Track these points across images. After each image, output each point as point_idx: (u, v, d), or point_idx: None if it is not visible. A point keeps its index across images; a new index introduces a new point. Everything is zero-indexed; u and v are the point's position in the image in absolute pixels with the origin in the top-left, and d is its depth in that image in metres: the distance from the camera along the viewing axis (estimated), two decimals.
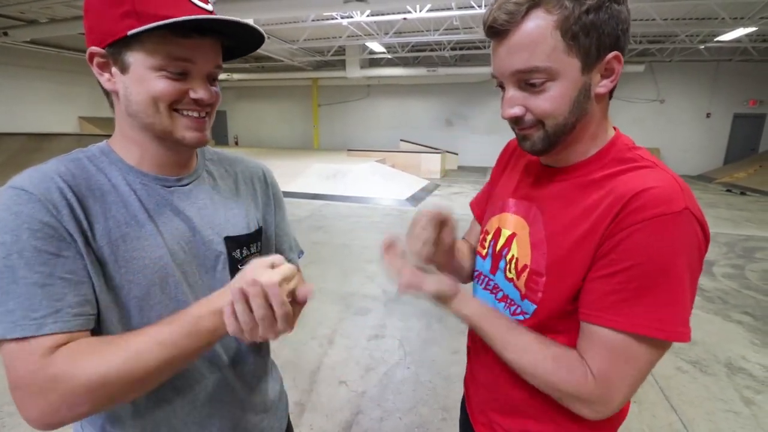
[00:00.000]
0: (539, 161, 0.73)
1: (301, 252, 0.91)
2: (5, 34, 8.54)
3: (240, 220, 0.72)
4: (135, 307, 0.59)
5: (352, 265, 4.31)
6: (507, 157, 0.86)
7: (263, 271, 0.51)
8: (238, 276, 0.53)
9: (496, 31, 0.58)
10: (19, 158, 8.10)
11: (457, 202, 7.86)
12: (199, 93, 0.59)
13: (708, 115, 12.15)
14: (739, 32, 8.41)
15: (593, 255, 0.58)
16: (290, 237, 0.87)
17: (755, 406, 2.19)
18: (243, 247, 0.71)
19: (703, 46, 10.23)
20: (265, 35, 0.64)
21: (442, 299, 0.69)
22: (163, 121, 0.59)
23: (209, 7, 0.60)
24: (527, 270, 0.67)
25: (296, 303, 0.56)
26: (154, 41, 0.55)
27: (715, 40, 9.48)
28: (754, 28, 8.12)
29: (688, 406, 2.19)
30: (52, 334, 0.50)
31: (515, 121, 0.63)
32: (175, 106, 0.59)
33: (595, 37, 0.55)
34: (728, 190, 9.53)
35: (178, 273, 0.62)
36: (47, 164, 0.58)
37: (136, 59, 0.56)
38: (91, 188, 0.58)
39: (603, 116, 0.65)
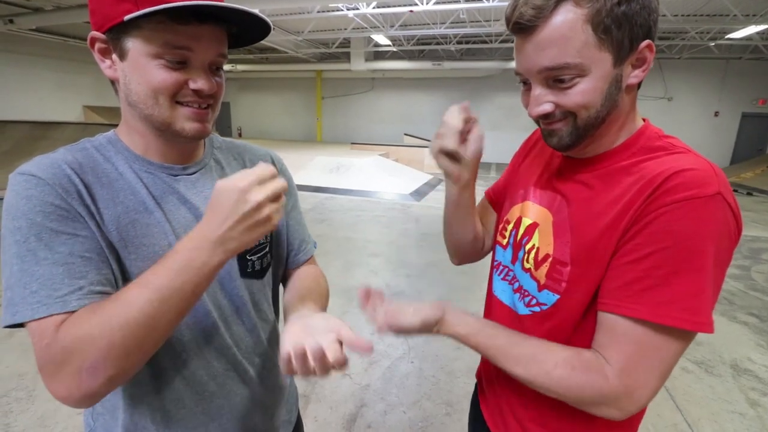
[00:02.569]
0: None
1: (315, 244, 0.90)
2: (11, 21, 8.52)
3: None
4: None
5: (355, 258, 4.31)
6: (530, 146, 0.84)
7: (234, 181, 0.50)
8: (212, 206, 0.51)
9: (522, 27, 0.55)
10: (23, 146, 8.10)
11: None
12: (198, 83, 0.57)
13: (716, 114, 12.03)
14: (751, 30, 8.28)
15: (619, 239, 0.56)
16: (303, 227, 0.86)
17: (761, 407, 2.18)
18: None
19: (713, 44, 10.10)
20: (270, 23, 0.61)
21: (429, 326, 0.65)
22: (162, 113, 0.58)
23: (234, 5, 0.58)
24: (549, 259, 0.64)
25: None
26: (152, 27, 0.53)
27: (726, 37, 9.35)
28: (766, 26, 7.99)
29: (693, 407, 2.18)
30: (75, 311, 0.49)
31: (545, 120, 0.61)
32: (176, 98, 0.58)
33: (628, 29, 0.53)
34: (735, 190, 9.43)
35: None
36: (55, 153, 0.57)
37: (135, 46, 0.54)
38: (98, 176, 0.58)
39: (632, 107, 0.63)
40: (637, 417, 0.68)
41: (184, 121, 0.59)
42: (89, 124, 9.53)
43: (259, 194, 0.50)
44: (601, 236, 0.58)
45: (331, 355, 0.49)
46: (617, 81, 0.57)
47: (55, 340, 0.47)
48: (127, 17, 0.51)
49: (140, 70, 0.55)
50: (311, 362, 0.49)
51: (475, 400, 0.90)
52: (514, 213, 0.76)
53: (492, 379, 0.81)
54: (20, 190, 0.51)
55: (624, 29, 0.53)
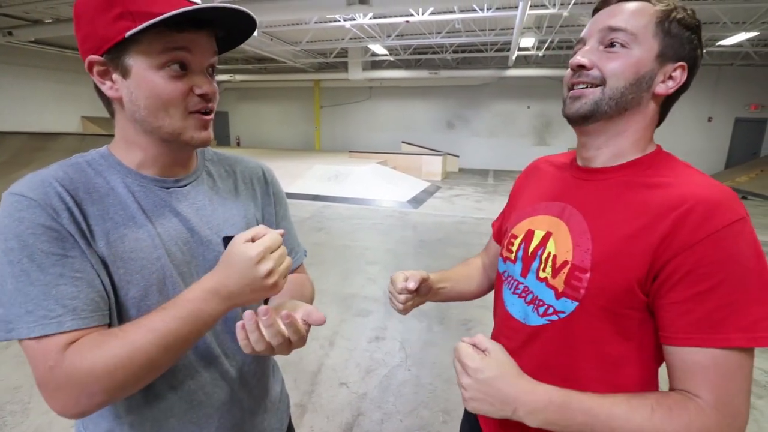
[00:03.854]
0: (574, 164, 0.75)
1: (305, 252, 0.91)
2: (9, 33, 8.60)
3: (239, 220, 0.72)
4: (133, 307, 0.60)
5: (353, 266, 4.31)
6: (529, 173, 0.89)
7: (246, 248, 0.54)
8: (224, 262, 0.56)
9: (608, 2, 0.66)
10: (21, 157, 8.12)
11: (458, 205, 7.86)
12: (203, 87, 0.60)
13: (710, 119, 12.15)
14: (741, 37, 8.41)
15: (651, 256, 0.57)
16: (293, 236, 0.87)
17: (756, 411, 2.19)
18: None
19: (705, 51, 10.22)
20: (257, 19, 0.64)
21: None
22: (173, 123, 0.60)
23: (199, 0, 0.60)
24: (568, 266, 0.65)
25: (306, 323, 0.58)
26: (151, 39, 0.55)
27: (717, 44, 9.49)
28: (755, 33, 8.13)
29: None
30: (70, 331, 0.52)
31: (575, 74, 0.67)
32: (188, 109, 0.60)
33: (677, 42, 0.63)
34: None
35: (175, 274, 0.63)
36: (46, 170, 0.58)
37: (136, 61, 0.56)
38: (89, 191, 0.59)
39: (651, 126, 0.68)
40: None
41: (194, 130, 0.61)
42: (87, 135, 9.57)
43: (270, 264, 0.54)
44: (625, 245, 0.59)
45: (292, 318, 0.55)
46: (651, 76, 0.64)
47: (60, 367, 0.50)
48: (129, 33, 0.53)
49: (147, 83, 0.57)
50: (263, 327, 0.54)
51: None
52: (521, 227, 0.78)
53: None
54: (12, 211, 0.53)
55: (673, 40, 0.63)
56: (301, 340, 0.57)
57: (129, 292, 0.59)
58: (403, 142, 13.79)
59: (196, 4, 0.58)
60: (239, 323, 0.54)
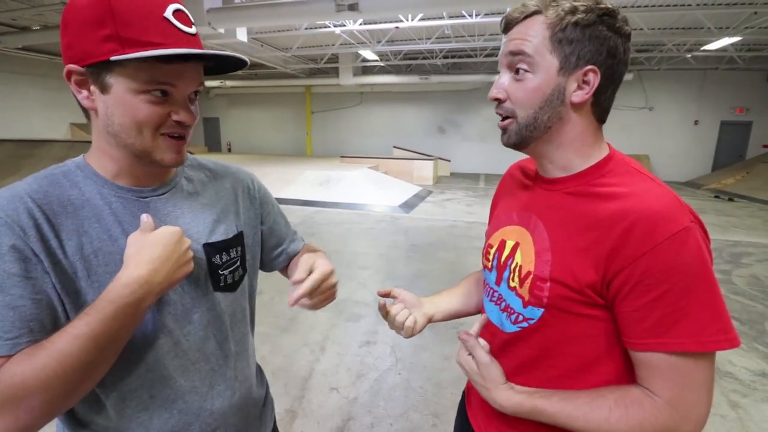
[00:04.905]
0: (537, 173, 0.76)
1: (302, 239, 0.96)
2: None
3: (219, 226, 0.73)
4: None
5: (344, 271, 4.31)
6: (505, 183, 0.90)
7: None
8: (143, 248, 0.58)
9: (508, 23, 0.67)
10: (8, 164, 8.01)
11: (450, 209, 7.90)
12: (181, 115, 0.60)
13: (696, 123, 12.37)
14: (725, 41, 8.59)
15: (602, 268, 0.60)
16: (290, 229, 0.92)
17: (741, 409, 2.22)
18: (222, 252, 0.72)
19: (690, 55, 10.44)
20: (248, 61, 0.65)
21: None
22: (144, 143, 0.60)
23: (192, 30, 0.60)
24: (531, 276, 0.68)
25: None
26: (137, 66, 0.55)
27: (702, 49, 9.68)
28: (739, 38, 8.31)
29: None
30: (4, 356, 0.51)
31: (497, 106, 0.69)
32: (160, 130, 0.60)
33: (577, 48, 0.61)
34: (716, 197, 9.67)
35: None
36: (20, 183, 0.58)
37: (118, 82, 0.56)
38: (63, 204, 0.59)
39: (591, 132, 0.67)
40: None
41: (164, 152, 0.62)
42: (76, 142, 9.47)
43: (187, 241, 0.61)
44: (578, 256, 0.62)
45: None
46: (560, 92, 0.63)
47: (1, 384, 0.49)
48: (114, 58, 0.53)
49: (125, 104, 0.57)
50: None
51: (462, 409, 0.92)
52: (496, 237, 0.80)
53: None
54: None
55: (573, 47, 0.61)
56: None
57: None
58: (394, 146, 13.84)
59: (187, 34, 0.59)
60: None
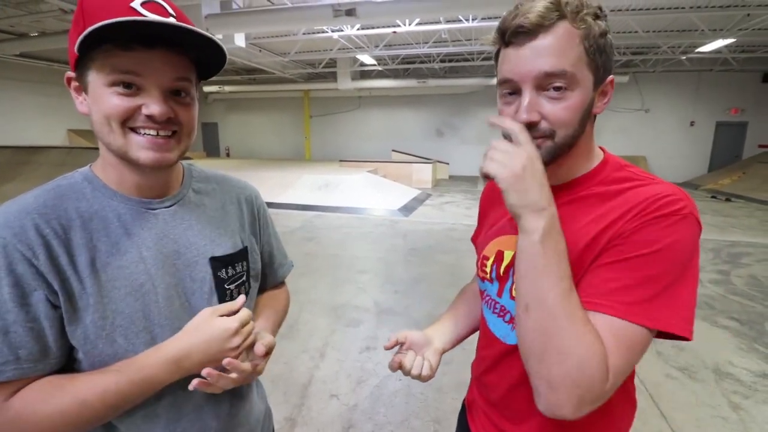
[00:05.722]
0: None
1: (292, 264, 0.94)
2: None
3: (225, 240, 0.72)
4: (120, 335, 0.59)
5: (343, 275, 4.30)
6: (494, 189, 0.86)
7: (223, 321, 0.60)
8: (193, 331, 0.60)
9: (525, 31, 0.57)
10: (6, 171, 7.99)
11: (449, 212, 7.90)
12: (151, 108, 0.56)
13: (692, 124, 12.43)
14: (719, 43, 8.66)
15: (602, 249, 0.58)
16: (281, 253, 0.89)
17: (743, 411, 2.22)
18: (228, 267, 0.71)
19: (684, 57, 10.50)
20: (225, 51, 0.62)
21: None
22: (117, 140, 0.58)
23: (170, 20, 0.55)
24: None
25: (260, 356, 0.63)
26: (102, 57, 0.55)
27: (696, 51, 9.74)
28: (732, 40, 8.37)
29: (677, 413, 2.20)
30: (9, 381, 0.52)
31: (528, 131, 0.61)
32: (129, 124, 0.57)
33: (605, 58, 0.60)
34: (713, 197, 9.70)
35: (162, 299, 0.62)
36: (26, 197, 0.58)
37: (93, 78, 0.56)
38: (72, 218, 0.58)
39: (591, 137, 0.67)
40: (625, 425, 0.71)
41: (138, 149, 0.58)
42: (73, 148, 9.45)
43: (241, 338, 0.61)
44: (583, 252, 0.60)
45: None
46: (591, 105, 0.61)
47: (4, 412, 0.51)
48: (75, 47, 0.53)
49: (96, 99, 0.56)
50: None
51: (463, 420, 0.91)
52: (491, 248, 0.77)
53: (483, 403, 0.82)
54: None
55: (603, 57, 0.59)
56: (256, 372, 0.64)
57: (116, 321, 0.58)
58: (393, 150, 13.88)
59: (143, 17, 0.54)
60: (195, 381, 0.59)
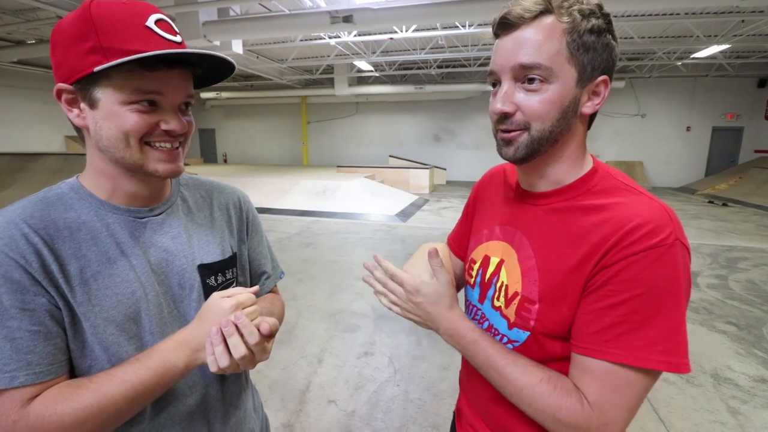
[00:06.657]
0: (519, 187, 0.73)
1: (282, 273, 0.91)
2: None
3: (214, 247, 0.72)
4: (113, 343, 0.59)
5: (341, 281, 4.29)
6: (485, 189, 0.85)
7: (222, 301, 0.59)
8: (200, 315, 0.60)
9: (508, 23, 0.59)
10: (2, 178, 7.97)
11: (446, 217, 7.90)
12: (170, 124, 0.59)
13: (688, 129, 12.51)
14: (714, 49, 8.74)
15: (585, 282, 0.58)
16: (269, 260, 0.87)
17: (741, 416, 2.21)
18: (218, 274, 0.71)
19: (680, 63, 10.60)
20: (235, 64, 0.64)
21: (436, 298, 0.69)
22: (133, 155, 0.59)
23: (177, 39, 0.60)
24: (518, 297, 0.65)
25: (264, 336, 0.60)
26: (122, 76, 0.55)
27: (692, 56, 9.84)
28: (727, 45, 8.45)
29: (675, 418, 2.19)
30: (24, 386, 0.51)
31: (501, 121, 0.62)
32: (146, 138, 0.59)
33: (592, 56, 0.58)
34: (710, 202, 9.74)
35: (152, 307, 0.62)
36: (12, 208, 0.57)
37: (105, 94, 0.56)
38: (59, 228, 0.58)
39: (583, 142, 0.66)
40: None
41: (156, 162, 0.60)
42: (70, 155, 9.44)
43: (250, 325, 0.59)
44: (569, 276, 0.59)
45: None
46: (575, 103, 0.60)
47: (26, 420, 0.50)
48: (97, 69, 0.53)
49: (113, 116, 0.56)
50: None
51: (453, 428, 0.90)
52: (479, 252, 0.76)
53: (469, 413, 0.81)
54: None
55: (589, 55, 0.58)
56: (263, 351, 0.60)
57: (107, 330, 0.58)
58: (390, 156, 13.91)
59: (173, 43, 0.58)
60: (214, 328, 0.57)
